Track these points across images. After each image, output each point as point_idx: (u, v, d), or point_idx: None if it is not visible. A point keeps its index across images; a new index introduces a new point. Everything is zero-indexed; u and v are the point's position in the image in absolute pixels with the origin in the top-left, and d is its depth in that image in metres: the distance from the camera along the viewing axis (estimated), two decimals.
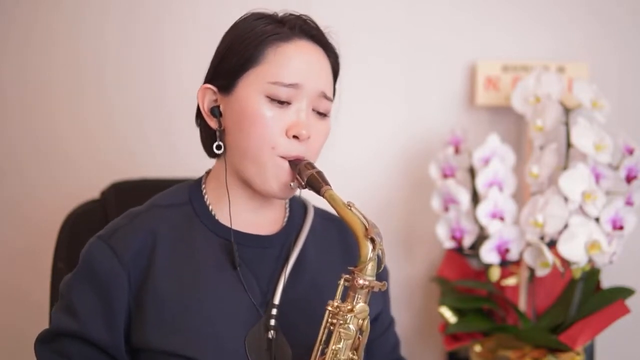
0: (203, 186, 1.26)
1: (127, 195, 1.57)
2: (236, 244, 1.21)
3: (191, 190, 1.26)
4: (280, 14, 1.23)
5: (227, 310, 1.18)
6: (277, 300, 1.21)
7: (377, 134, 1.92)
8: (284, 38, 1.19)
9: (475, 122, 1.89)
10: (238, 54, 1.19)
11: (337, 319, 1.11)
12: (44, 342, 1.19)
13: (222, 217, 1.24)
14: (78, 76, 1.92)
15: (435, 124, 1.89)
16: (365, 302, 1.11)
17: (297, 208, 1.33)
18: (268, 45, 1.18)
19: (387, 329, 1.38)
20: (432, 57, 1.89)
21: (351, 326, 1.10)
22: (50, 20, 1.90)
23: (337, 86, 1.27)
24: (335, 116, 1.28)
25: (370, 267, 1.09)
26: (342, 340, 1.10)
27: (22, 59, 1.92)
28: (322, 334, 1.12)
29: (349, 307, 1.10)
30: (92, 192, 1.64)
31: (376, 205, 1.92)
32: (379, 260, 1.10)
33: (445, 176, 1.76)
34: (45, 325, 1.21)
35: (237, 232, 1.22)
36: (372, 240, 1.09)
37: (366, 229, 1.09)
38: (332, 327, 1.11)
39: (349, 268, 1.11)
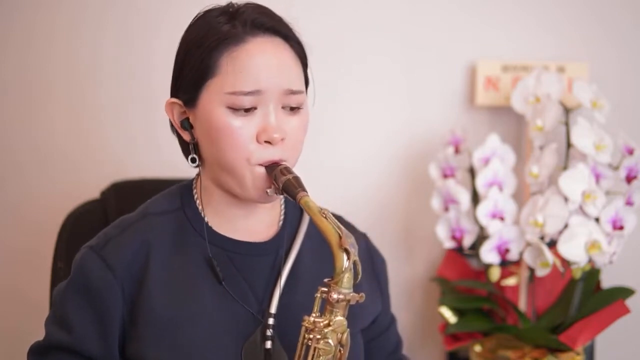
0: (195, 190, 1.24)
1: (127, 195, 1.57)
2: (228, 252, 1.19)
3: (182, 196, 1.23)
4: (236, 4, 1.17)
5: (222, 321, 1.16)
6: (273, 309, 1.18)
7: (377, 134, 1.91)
8: (237, 40, 1.12)
9: (475, 122, 1.89)
10: (194, 65, 1.14)
11: (314, 335, 1.08)
12: (37, 354, 1.17)
13: (215, 224, 1.21)
14: (77, 77, 1.91)
15: (435, 124, 1.89)
16: (343, 316, 1.08)
17: (293, 209, 1.29)
18: (221, 52, 1.12)
19: (388, 328, 1.36)
20: (432, 57, 1.89)
21: (330, 341, 1.07)
22: (49, 24, 1.90)
23: (309, 73, 1.22)
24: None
25: (346, 279, 1.06)
26: (321, 356, 1.08)
27: (21, 61, 1.92)
28: (299, 351, 1.10)
29: (326, 322, 1.07)
30: (92, 192, 1.64)
31: (376, 205, 1.92)
32: (355, 271, 1.07)
33: (445, 176, 1.76)
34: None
35: (230, 240, 1.20)
36: (346, 251, 1.05)
37: (340, 239, 1.06)
38: (309, 343, 1.08)
39: (325, 280, 1.08)
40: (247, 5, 1.17)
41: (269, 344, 1.17)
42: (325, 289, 1.08)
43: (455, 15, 1.89)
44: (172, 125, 1.23)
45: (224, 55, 1.12)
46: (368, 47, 1.88)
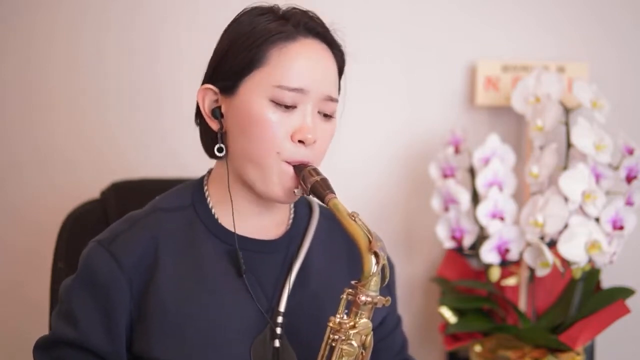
0: (205, 187, 1.23)
1: (127, 195, 1.57)
2: (240, 250, 1.19)
3: (194, 192, 1.23)
4: (283, 9, 1.19)
5: (232, 319, 1.16)
6: (282, 308, 1.18)
7: (377, 134, 1.92)
8: (289, 37, 1.14)
9: (475, 122, 1.89)
10: (240, 54, 1.15)
11: (339, 335, 1.08)
12: (43, 349, 1.17)
13: (226, 221, 1.21)
14: (77, 77, 1.92)
15: (435, 124, 1.89)
16: (368, 318, 1.08)
17: (302, 208, 1.30)
18: (272, 45, 1.14)
19: (394, 329, 1.37)
20: (432, 57, 1.89)
21: (354, 342, 1.08)
22: (49, 24, 1.90)
23: (342, 83, 1.24)
24: (337, 116, 1.27)
25: (373, 282, 1.07)
26: (344, 357, 1.08)
27: (21, 62, 1.92)
28: (324, 350, 1.10)
29: (352, 324, 1.08)
30: (92, 192, 1.64)
31: (376, 205, 1.92)
32: (383, 275, 1.08)
33: (445, 176, 1.76)
34: (45, 325, 1.21)
35: (241, 238, 1.20)
36: (376, 255, 1.06)
37: (370, 242, 1.06)
38: (333, 344, 1.09)
39: (352, 282, 1.09)
40: (295, 9, 1.19)
41: (277, 342, 1.18)
42: (352, 291, 1.08)
43: (455, 15, 1.89)
44: (196, 114, 1.23)
45: (274, 48, 1.14)
46: (368, 47, 1.88)
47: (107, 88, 1.91)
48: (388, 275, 1.09)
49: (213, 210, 1.22)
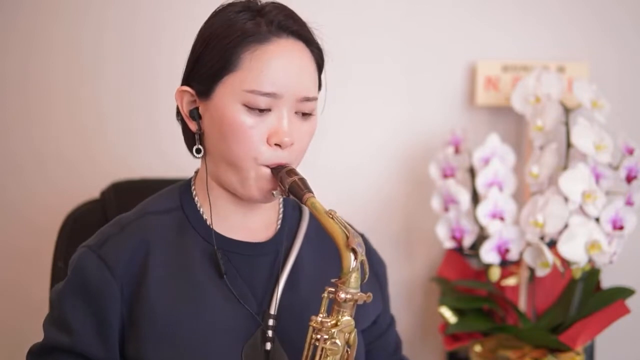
0: (193, 187, 1.23)
1: (127, 195, 1.56)
2: (227, 252, 1.18)
3: (182, 194, 1.23)
4: (260, 3, 1.16)
5: (222, 322, 1.15)
6: (273, 310, 1.18)
7: (377, 134, 1.92)
8: (262, 39, 1.12)
9: (475, 122, 1.89)
10: (214, 58, 1.13)
11: (322, 335, 1.07)
12: (37, 356, 1.17)
13: (214, 223, 1.20)
14: (77, 78, 1.91)
15: (435, 124, 1.89)
16: (350, 316, 1.08)
17: (291, 208, 1.29)
18: (245, 48, 1.11)
19: (387, 329, 1.36)
20: (432, 57, 1.89)
21: (337, 341, 1.07)
22: (49, 27, 1.90)
23: (323, 78, 1.22)
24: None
25: (353, 279, 1.06)
26: (329, 356, 1.08)
27: (21, 64, 1.91)
28: (307, 351, 1.10)
29: (333, 322, 1.07)
30: (92, 192, 1.64)
31: (376, 205, 1.92)
32: (363, 271, 1.07)
33: (445, 176, 1.76)
34: None
35: (228, 240, 1.19)
36: (354, 251, 1.05)
37: (347, 239, 1.06)
38: (317, 343, 1.08)
39: (332, 280, 1.08)
40: (272, 4, 1.17)
41: (269, 345, 1.17)
42: (332, 289, 1.08)
43: (455, 15, 1.89)
44: (177, 113, 1.23)
45: (246, 52, 1.12)
46: (368, 47, 1.88)
47: (108, 88, 1.91)
48: (368, 271, 1.08)
49: (201, 211, 1.21)
